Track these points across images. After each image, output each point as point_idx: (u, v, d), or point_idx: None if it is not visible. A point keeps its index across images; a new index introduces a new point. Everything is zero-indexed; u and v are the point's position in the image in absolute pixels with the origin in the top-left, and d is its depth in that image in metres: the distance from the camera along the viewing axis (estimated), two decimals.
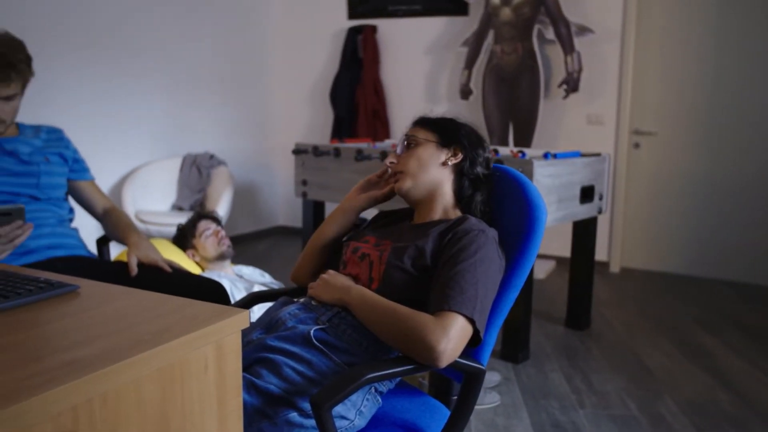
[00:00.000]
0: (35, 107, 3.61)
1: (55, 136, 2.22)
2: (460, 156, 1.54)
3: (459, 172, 1.55)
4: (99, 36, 4.38)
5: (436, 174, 1.53)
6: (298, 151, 3.83)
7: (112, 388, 0.81)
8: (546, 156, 3.20)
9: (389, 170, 1.61)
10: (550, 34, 4.66)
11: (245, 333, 1.38)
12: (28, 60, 2.00)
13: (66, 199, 2.22)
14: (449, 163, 1.54)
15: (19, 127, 2.16)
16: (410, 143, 1.57)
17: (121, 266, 2.03)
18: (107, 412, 0.80)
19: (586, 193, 3.28)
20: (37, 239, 1.98)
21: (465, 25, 5.09)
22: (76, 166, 2.25)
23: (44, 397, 0.72)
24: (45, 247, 2.01)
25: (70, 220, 2.21)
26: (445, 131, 1.57)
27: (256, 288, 2.75)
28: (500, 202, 1.56)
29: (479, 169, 1.55)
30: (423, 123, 1.60)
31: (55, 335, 0.93)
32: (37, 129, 2.20)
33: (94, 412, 0.79)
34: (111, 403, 0.81)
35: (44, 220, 2.04)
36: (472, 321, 1.25)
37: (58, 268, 1.95)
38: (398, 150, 1.60)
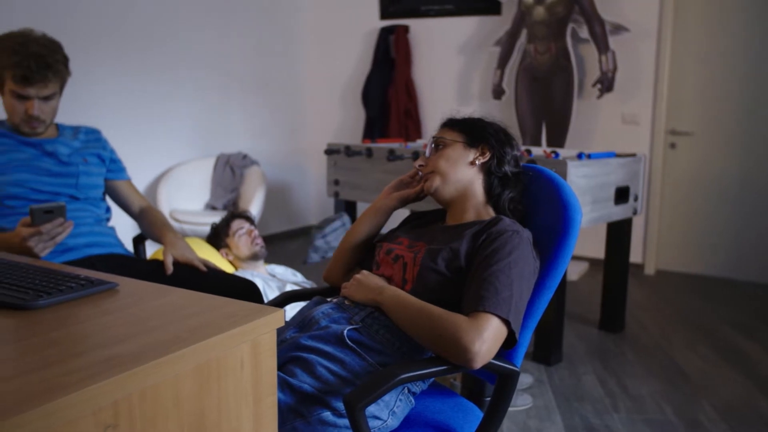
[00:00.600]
0: (75, 108, 3.69)
1: (93, 137, 2.26)
2: (488, 155, 1.54)
3: (488, 170, 1.54)
4: (136, 39, 4.45)
5: (464, 173, 1.53)
6: (330, 151, 3.84)
7: (151, 384, 0.82)
8: (580, 156, 3.16)
9: (419, 173, 1.61)
10: (584, 33, 4.61)
11: (279, 332, 1.39)
12: (65, 60, 2.04)
13: (103, 199, 2.26)
14: (477, 162, 1.53)
15: (59, 127, 2.21)
16: (438, 145, 1.57)
17: (157, 264, 2.06)
18: (146, 407, 0.82)
19: (621, 194, 3.23)
20: (76, 237, 2.02)
21: (498, 25, 5.06)
22: (113, 167, 2.29)
23: (87, 391, 0.74)
24: (83, 245, 2.05)
25: (108, 219, 2.25)
26: (472, 131, 1.56)
27: (289, 287, 2.77)
28: (534, 202, 1.55)
29: (508, 168, 1.54)
30: (450, 124, 1.61)
31: (96, 332, 0.94)
32: (75, 130, 2.24)
33: (133, 407, 0.80)
34: (150, 399, 0.82)
35: (83, 219, 2.09)
36: (506, 322, 1.24)
37: (96, 265, 1.99)
38: (427, 152, 1.60)
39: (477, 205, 1.53)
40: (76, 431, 0.73)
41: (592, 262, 4.84)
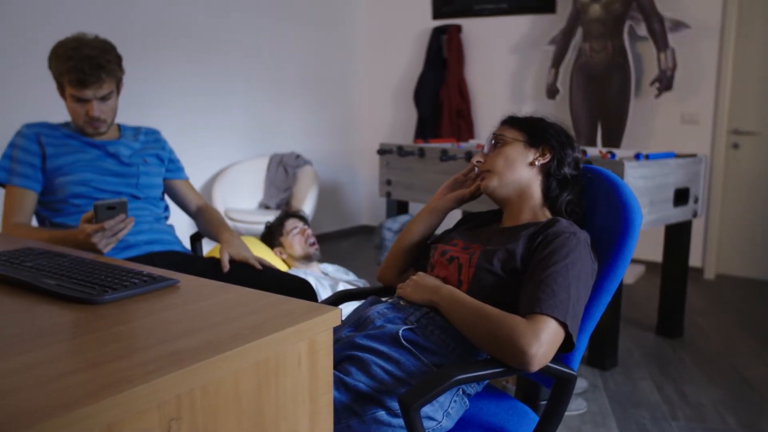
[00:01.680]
0: (136, 109, 3.80)
1: (152, 138, 2.32)
2: (548, 156, 1.51)
3: (547, 172, 1.51)
4: (194, 43, 4.56)
5: (523, 174, 1.50)
6: (382, 151, 3.85)
7: (212, 380, 0.84)
8: (638, 157, 3.09)
9: (476, 169, 1.59)
10: (642, 30, 4.50)
11: (334, 331, 1.40)
12: (117, 60, 2.10)
13: (162, 198, 2.32)
14: (537, 163, 1.51)
15: (121, 129, 2.27)
16: (498, 142, 1.55)
17: (214, 262, 2.10)
18: (207, 401, 0.83)
19: (681, 196, 3.14)
20: (136, 235, 2.08)
21: (552, 23, 4.98)
22: (172, 166, 2.34)
23: (152, 385, 0.75)
24: (144, 242, 2.10)
25: (166, 217, 2.30)
26: (533, 130, 1.54)
27: (341, 286, 2.79)
28: (592, 203, 1.52)
29: (567, 170, 1.51)
30: (511, 122, 1.58)
31: (159, 327, 0.97)
32: (136, 131, 2.30)
33: (195, 401, 0.81)
34: (211, 394, 0.84)
35: (143, 217, 2.14)
36: (564, 325, 1.22)
37: (155, 262, 2.04)
38: (485, 149, 1.58)
39: (534, 207, 1.51)
40: (142, 423, 0.75)
41: (649, 265, 4.72)
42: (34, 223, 2.15)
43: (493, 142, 1.57)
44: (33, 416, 0.66)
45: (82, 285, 1.12)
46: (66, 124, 2.18)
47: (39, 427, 0.65)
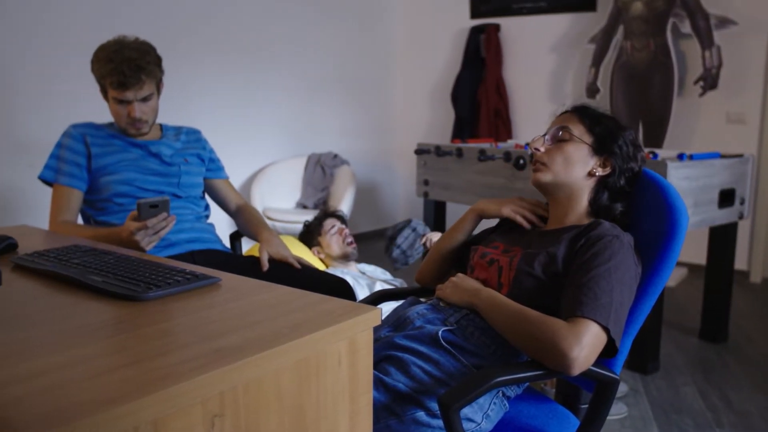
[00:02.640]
0: (177, 110, 3.86)
1: (193, 138, 2.35)
2: (608, 169, 1.45)
3: (602, 182, 1.46)
4: (233, 43, 4.61)
5: (578, 179, 1.45)
6: (420, 151, 3.85)
7: (254, 377, 0.84)
8: (681, 157, 3.02)
9: (531, 153, 1.51)
10: (686, 27, 4.40)
11: (374, 330, 1.40)
12: (157, 61, 2.13)
13: (203, 197, 2.35)
14: (596, 173, 1.45)
15: (163, 128, 2.31)
16: (563, 137, 1.47)
17: (253, 260, 2.12)
18: (249, 399, 0.84)
19: (726, 197, 3.06)
20: (178, 233, 2.11)
21: (593, 21, 4.91)
22: (212, 166, 2.37)
23: (196, 381, 0.76)
24: (185, 240, 2.14)
25: (207, 216, 2.33)
26: (603, 137, 1.45)
27: (378, 285, 2.79)
28: (636, 205, 1.49)
29: (623, 182, 1.46)
30: (582, 115, 1.49)
31: (202, 324, 0.98)
32: (177, 130, 2.34)
33: (238, 399, 0.82)
34: (253, 392, 0.84)
35: (184, 216, 2.18)
36: (606, 330, 1.20)
37: (196, 260, 2.07)
38: (548, 137, 1.49)
39: (579, 211, 1.47)
40: (186, 419, 0.76)
41: (691, 267, 4.61)
42: (80, 221, 2.20)
43: (560, 133, 1.48)
44: (83, 409, 0.68)
45: (127, 282, 1.14)
46: (110, 125, 2.22)
47: (89, 420, 0.66)
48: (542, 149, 1.48)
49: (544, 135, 1.50)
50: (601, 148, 1.45)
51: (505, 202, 1.59)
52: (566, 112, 1.53)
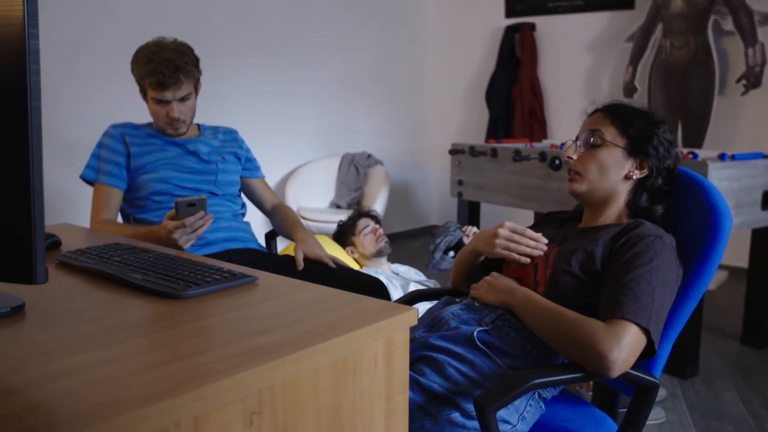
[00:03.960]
0: (214, 110, 3.91)
1: (230, 137, 2.38)
2: (645, 171, 1.41)
3: (639, 183, 1.43)
4: (268, 43, 4.66)
5: (615, 184, 1.42)
6: (454, 151, 3.83)
7: (291, 376, 0.85)
8: (722, 157, 2.95)
9: (564, 162, 1.50)
10: (728, 24, 4.30)
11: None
12: (194, 61, 2.16)
13: (239, 195, 2.38)
14: (632, 176, 1.41)
15: (200, 128, 2.34)
16: (595, 142, 1.43)
17: (288, 260, 2.14)
18: (287, 397, 0.85)
19: None
20: (215, 232, 2.14)
21: (630, 20, 4.83)
22: (249, 165, 2.40)
23: (235, 379, 0.77)
24: (222, 239, 2.16)
25: (243, 214, 2.36)
26: (637, 138, 1.40)
27: (412, 286, 2.79)
28: (677, 206, 1.46)
29: (661, 182, 1.42)
30: (614, 115, 1.43)
31: (240, 322, 0.99)
32: (215, 130, 2.37)
33: (275, 396, 0.83)
34: (290, 390, 0.85)
35: (221, 214, 2.20)
36: (646, 332, 1.18)
37: (233, 259, 2.09)
38: (580, 143, 1.45)
39: (618, 211, 1.45)
40: (226, 416, 0.77)
41: (732, 270, 4.51)
42: (120, 219, 2.24)
43: (591, 140, 1.44)
44: (126, 404, 0.69)
45: (167, 280, 1.15)
46: (149, 125, 2.26)
47: (131, 416, 0.67)
48: (575, 157, 1.44)
49: (576, 140, 1.46)
50: (635, 150, 1.41)
51: (497, 234, 1.44)
52: (597, 111, 1.48)
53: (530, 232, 1.42)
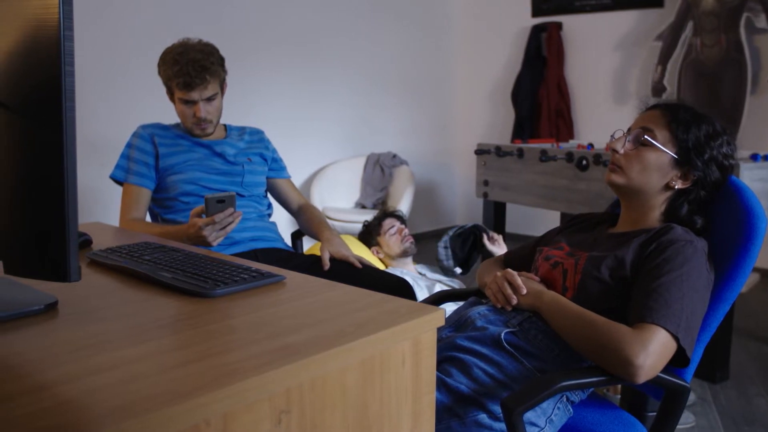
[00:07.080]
0: (240, 110, 3.94)
1: (256, 138, 2.40)
2: (689, 183, 1.36)
3: (680, 193, 1.38)
4: (293, 43, 4.68)
5: (654, 188, 1.37)
6: (480, 152, 3.81)
7: (319, 375, 0.85)
8: (755, 158, 2.90)
9: (609, 152, 1.43)
10: (761, 22, 4.22)
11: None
12: (220, 61, 2.19)
13: (265, 196, 2.39)
14: (674, 185, 1.36)
15: (227, 129, 2.36)
16: (645, 142, 1.37)
17: (314, 259, 2.14)
18: (315, 396, 0.85)
19: None
20: (241, 232, 2.15)
21: (659, 18, 4.76)
22: (275, 165, 2.41)
23: (263, 377, 0.77)
24: (248, 239, 2.18)
25: (269, 215, 2.37)
26: (688, 148, 1.33)
27: (438, 286, 2.78)
28: (709, 208, 1.43)
29: (704, 194, 1.37)
30: (672, 118, 1.36)
31: (268, 321, 0.99)
32: (241, 130, 2.39)
33: (303, 395, 0.83)
34: (318, 389, 0.85)
35: (248, 214, 2.22)
36: (675, 338, 1.16)
37: (259, 258, 2.10)
38: (630, 137, 1.38)
39: (652, 218, 1.41)
40: (254, 414, 0.77)
41: (764, 273, 4.42)
42: (149, 218, 2.26)
43: (643, 137, 1.37)
44: (156, 401, 0.70)
45: (196, 279, 1.16)
46: (177, 125, 2.28)
47: (162, 413, 0.68)
48: (621, 151, 1.39)
49: (626, 134, 1.40)
50: (684, 159, 1.34)
51: (495, 277, 1.44)
52: (656, 107, 1.42)
53: (520, 284, 1.38)
